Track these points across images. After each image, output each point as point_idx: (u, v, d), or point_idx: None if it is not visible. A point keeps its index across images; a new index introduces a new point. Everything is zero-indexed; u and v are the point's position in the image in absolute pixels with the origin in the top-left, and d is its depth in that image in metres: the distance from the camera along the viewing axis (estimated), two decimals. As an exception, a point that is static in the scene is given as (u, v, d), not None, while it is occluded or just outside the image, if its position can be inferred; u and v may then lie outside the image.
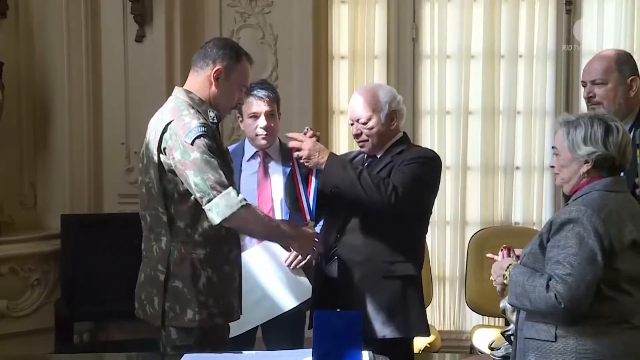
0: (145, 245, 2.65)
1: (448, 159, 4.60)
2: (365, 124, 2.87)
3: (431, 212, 3.01)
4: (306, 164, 2.79)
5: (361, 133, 2.88)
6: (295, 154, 2.80)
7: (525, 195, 4.61)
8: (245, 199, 2.47)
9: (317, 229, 3.03)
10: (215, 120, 2.60)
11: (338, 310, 2.71)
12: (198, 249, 2.54)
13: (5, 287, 4.18)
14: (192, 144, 2.45)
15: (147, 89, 4.40)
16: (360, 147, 2.95)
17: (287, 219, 3.00)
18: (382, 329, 2.80)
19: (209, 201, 2.44)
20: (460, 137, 4.59)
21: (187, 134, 2.46)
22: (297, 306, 3.11)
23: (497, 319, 4.44)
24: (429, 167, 2.85)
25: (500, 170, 4.61)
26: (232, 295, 2.64)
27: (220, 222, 2.45)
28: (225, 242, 2.61)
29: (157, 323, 2.58)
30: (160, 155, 2.52)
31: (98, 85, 4.47)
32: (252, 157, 3.25)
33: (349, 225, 2.85)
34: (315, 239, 2.75)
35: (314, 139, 2.80)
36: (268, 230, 2.63)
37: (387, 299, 2.81)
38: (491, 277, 2.47)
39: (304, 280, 3.11)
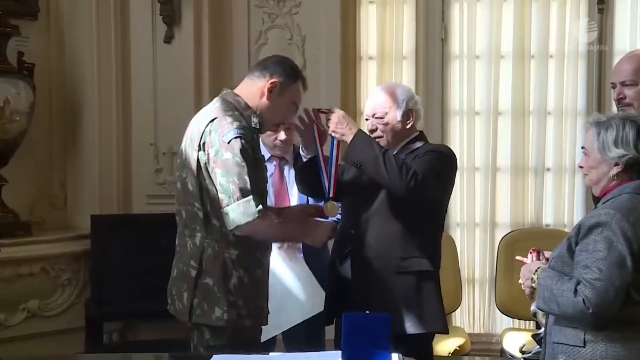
0: (179, 240, 2.71)
1: (477, 160, 4.61)
2: (381, 118, 2.91)
3: (446, 211, 3.02)
4: (332, 133, 2.79)
5: (376, 129, 2.92)
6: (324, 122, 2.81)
7: (556, 197, 4.61)
8: (262, 209, 2.50)
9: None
10: (257, 127, 2.65)
11: (353, 309, 2.74)
12: (231, 248, 2.59)
13: (37, 287, 4.26)
14: (228, 143, 2.51)
15: (175, 90, 4.47)
16: None
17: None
18: (397, 326, 2.78)
19: (227, 204, 2.50)
20: (489, 138, 4.60)
21: (226, 133, 2.53)
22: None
23: (527, 322, 4.44)
24: (444, 161, 2.87)
25: (530, 171, 4.61)
26: (261, 299, 2.69)
27: (233, 228, 2.51)
28: (258, 245, 2.66)
29: (184, 318, 2.63)
30: (200, 151, 2.58)
31: (127, 86, 4.55)
32: (268, 160, 3.30)
33: (363, 222, 2.87)
34: (328, 228, 2.79)
35: (343, 112, 2.82)
36: (280, 237, 2.75)
37: (400, 295, 2.82)
38: (520, 281, 2.49)
39: (320, 289, 3.15)
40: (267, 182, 2.74)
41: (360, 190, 2.91)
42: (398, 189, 2.71)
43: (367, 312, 2.71)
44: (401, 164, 2.72)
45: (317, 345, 3.15)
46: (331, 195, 2.83)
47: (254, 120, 2.64)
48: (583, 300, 2.19)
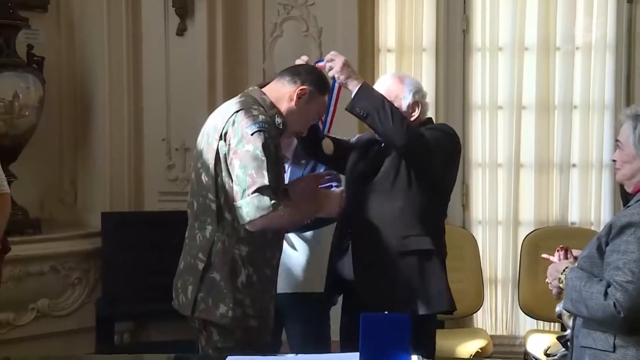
0: (189, 233, 2.72)
1: (500, 156, 4.58)
2: None
3: (447, 189, 2.99)
4: (336, 76, 2.84)
5: None
6: (328, 65, 2.87)
7: (582, 194, 4.56)
8: (276, 203, 2.49)
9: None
10: (281, 127, 2.67)
11: (355, 292, 2.85)
12: (242, 245, 2.59)
13: (46, 286, 4.28)
14: (251, 135, 2.53)
15: (188, 84, 4.48)
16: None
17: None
18: (401, 307, 2.75)
19: (242, 197, 2.50)
20: (513, 133, 4.56)
21: (251, 125, 2.55)
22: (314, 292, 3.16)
23: (552, 323, 4.41)
24: (446, 136, 2.90)
25: (555, 167, 4.57)
26: (269, 301, 2.69)
27: (248, 222, 2.51)
28: (269, 245, 2.67)
29: (186, 313, 2.63)
30: (220, 141, 2.59)
31: (139, 80, 4.56)
32: None
33: (361, 203, 2.89)
34: (339, 197, 2.81)
35: (345, 58, 2.87)
36: (296, 222, 2.75)
37: (403, 275, 2.84)
38: (547, 280, 2.46)
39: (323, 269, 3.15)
40: (283, 182, 2.73)
41: (357, 172, 2.96)
42: (400, 137, 2.75)
43: (372, 298, 2.79)
44: (402, 116, 2.81)
45: (323, 346, 3.16)
46: (327, 132, 3.02)
47: (278, 120, 2.67)
48: (614, 303, 2.16)
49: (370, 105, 2.77)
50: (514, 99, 4.56)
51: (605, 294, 2.18)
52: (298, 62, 2.91)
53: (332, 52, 2.90)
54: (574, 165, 4.57)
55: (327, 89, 2.80)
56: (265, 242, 2.64)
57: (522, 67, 4.55)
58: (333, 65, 2.84)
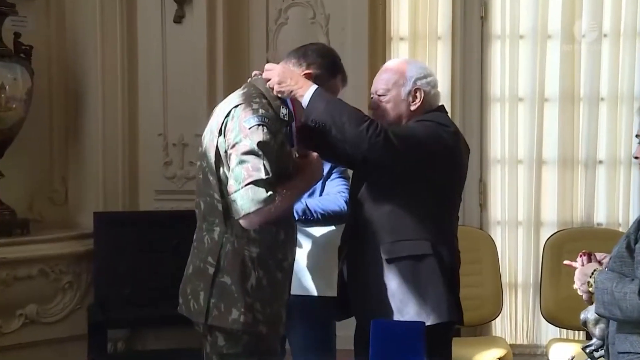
0: (197, 235, 2.73)
1: (521, 152, 4.57)
2: (383, 96, 2.87)
3: (455, 193, 2.91)
4: (278, 94, 2.68)
5: (377, 107, 2.89)
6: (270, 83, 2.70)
7: (610, 193, 4.55)
8: (272, 195, 2.48)
9: None
10: (286, 118, 2.66)
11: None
12: (252, 246, 2.60)
13: (35, 291, 4.27)
14: (249, 129, 2.53)
15: (187, 75, 4.47)
16: None
17: None
18: (395, 318, 2.74)
19: (236, 190, 2.49)
20: (534, 127, 4.55)
21: (248, 119, 2.55)
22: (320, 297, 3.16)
23: (576, 331, 4.40)
24: (431, 131, 2.75)
25: (580, 164, 4.56)
26: (280, 306, 2.68)
27: (243, 216, 2.49)
28: (281, 247, 2.67)
29: (199, 320, 2.64)
30: (220, 137, 2.60)
31: (134, 71, 4.55)
32: None
33: (356, 211, 2.86)
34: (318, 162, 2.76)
35: (282, 65, 2.72)
36: (289, 205, 2.70)
37: (392, 283, 2.77)
38: (574, 286, 2.46)
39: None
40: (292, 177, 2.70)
41: (354, 175, 2.91)
42: (360, 149, 2.62)
43: (360, 308, 2.76)
44: (362, 119, 2.64)
45: (328, 355, 3.17)
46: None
47: (284, 111, 2.66)
48: None
49: (324, 113, 2.63)
50: (536, 91, 4.54)
51: (639, 293, 2.18)
52: (253, 75, 2.79)
53: (267, 65, 2.74)
54: (600, 161, 4.56)
55: (337, 71, 2.74)
56: (276, 243, 2.65)
57: (544, 56, 4.53)
58: (269, 76, 2.69)
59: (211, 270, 2.61)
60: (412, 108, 2.86)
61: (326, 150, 2.75)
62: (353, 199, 2.92)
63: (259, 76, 2.75)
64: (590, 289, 2.36)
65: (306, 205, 3.08)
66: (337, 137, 2.65)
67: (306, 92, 2.66)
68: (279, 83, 2.67)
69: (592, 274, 2.38)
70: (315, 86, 2.68)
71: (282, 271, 2.69)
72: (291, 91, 2.67)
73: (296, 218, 2.93)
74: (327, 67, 2.70)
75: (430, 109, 2.90)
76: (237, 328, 2.58)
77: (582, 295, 2.43)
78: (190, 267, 2.72)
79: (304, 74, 2.67)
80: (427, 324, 2.66)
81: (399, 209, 2.79)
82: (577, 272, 2.46)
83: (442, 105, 2.98)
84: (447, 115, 2.95)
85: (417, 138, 2.72)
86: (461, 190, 2.98)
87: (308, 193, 3.07)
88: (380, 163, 2.70)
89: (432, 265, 2.79)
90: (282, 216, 2.63)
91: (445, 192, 2.88)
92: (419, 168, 2.75)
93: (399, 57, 4.59)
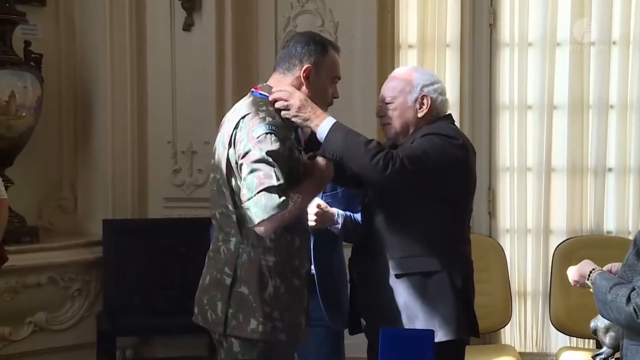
0: (213, 245, 2.73)
1: (530, 160, 4.56)
2: (390, 104, 2.87)
3: (466, 204, 2.91)
4: (292, 117, 2.67)
5: (384, 115, 2.89)
6: (280, 104, 2.68)
7: (619, 200, 4.53)
8: (285, 200, 2.48)
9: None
10: (294, 124, 2.67)
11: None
12: (268, 255, 2.61)
13: (44, 298, 4.29)
14: (257, 138, 2.53)
15: (195, 83, 4.49)
16: (383, 130, 2.94)
17: None
18: None
19: (249, 199, 2.50)
20: (543, 134, 4.54)
21: (256, 128, 2.55)
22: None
23: (587, 340, 4.38)
24: (440, 146, 2.75)
25: (589, 172, 4.54)
26: (299, 313, 2.68)
27: (257, 224, 2.50)
28: (298, 254, 2.67)
29: (218, 330, 2.64)
30: (230, 149, 2.61)
31: (143, 79, 4.57)
32: None
33: (367, 225, 2.87)
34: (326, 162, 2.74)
35: (301, 94, 2.69)
36: (302, 209, 2.67)
37: (404, 299, 2.77)
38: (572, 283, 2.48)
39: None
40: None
41: (365, 193, 2.92)
42: (376, 179, 2.67)
43: (366, 322, 2.73)
44: (376, 150, 2.65)
45: None
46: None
47: None
48: (634, 308, 2.19)
49: (341, 147, 2.66)
50: (545, 98, 4.53)
51: (629, 298, 2.21)
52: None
53: (283, 88, 2.67)
54: (610, 169, 4.54)
55: (324, 46, 2.71)
56: (292, 250, 2.66)
57: (553, 63, 4.52)
58: (289, 105, 2.67)
59: (228, 280, 2.62)
60: (420, 115, 2.86)
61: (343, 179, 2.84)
62: (364, 213, 2.92)
63: (264, 84, 2.74)
64: (591, 290, 2.37)
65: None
66: (353, 169, 2.71)
67: (322, 123, 2.68)
68: (298, 109, 2.68)
69: (590, 275, 2.39)
70: (332, 119, 2.70)
71: (300, 278, 2.68)
72: (306, 120, 2.68)
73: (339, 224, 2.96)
74: (316, 50, 2.69)
75: (438, 116, 2.90)
76: (257, 337, 2.59)
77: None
78: (207, 277, 2.72)
79: (303, 72, 2.67)
80: (435, 340, 2.61)
81: (409, 224, 2.79)
82: (572, 273, 2.49)
83: (450, 114, 2.97)
84: (454, 125, 2.94)
85: (429, 162, 2.72)
86: (472, 199, 2.98)
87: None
88: (395, 190, 2.73)
89: (442, 281, 2.79)
90: (296, 222, 2.64)
91: (457, 206, 2.88)
92: (431, 188, 2.77)
93: (407, 65, 4.60)
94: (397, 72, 3.02)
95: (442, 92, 2.93)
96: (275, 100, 2.67)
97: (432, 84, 2.90)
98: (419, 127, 2.86)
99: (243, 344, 2.61)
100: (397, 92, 2.87)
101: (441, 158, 2.74)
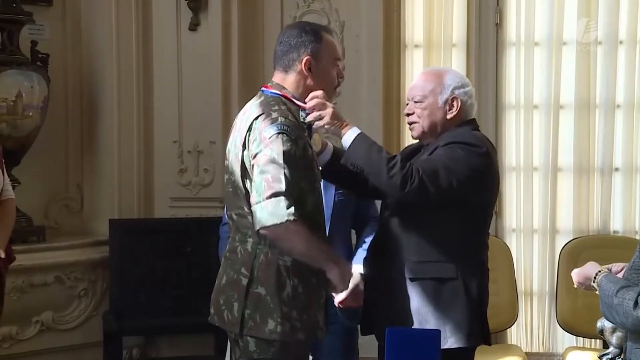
0: (230, 246, 2.73)
1: (536, 159, 4.56)
2: (419, 102, 2.86)
3: (486, 211, 2.89)
4: (325, 125, 2.68)
5: (413, 113, 2.88)
6: (313, 115, 2.68)
7: (626, 200, 4.53)
8: (293, 212, 2.48)
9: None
10: (306, 121, 2.67)
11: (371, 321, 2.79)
12: (286, 255, 2.60)
13: (51, 298, 4.31)
14: (269, 138, 2.53)
15: (202, 83, 4.50)
16: (410, 129, 2.93)
17: None
18: None
19: (257, 202, 2.50)
20: (550, 134, 4.53)
21: (268, 128, 2.55)
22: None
23: (593, 340, 4.37)
24: (462, 154, 2.73)
25: (596, 171, 4.54)
26: (317, 311, 2.68)
27: (260, 229, 2.51)
28: None
29: (235, 331, 2.64)
30: (244, 151, 2.61)
31: (149, 79, 4.59)
32: None
33: (383, 226, 2.88)
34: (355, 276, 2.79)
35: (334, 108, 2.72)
36: (310, 251, 2.61)
37: (416, 303, 2.76)
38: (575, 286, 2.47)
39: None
40: (319, 180, 2.71)
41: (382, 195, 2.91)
42: (395, 196, 2.71)
43: (378, 324, 2.72)
44: (396, 166, 2.65)
45: None
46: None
47: (303, 114, 2.67)
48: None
49: (363, 160, 2.68)
50: (551, 98, 4.53)
51: (636, 302, 2.19)
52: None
53: (316, 94, 2.66)
54: (616, 169, 4.54)
55: (317, 33, 2.69)
56: None
57: (560, 63, 4.52)
58: (322, 115, 2.67)
59: (245, 281, 2.61)
60: (449, 117, 2.86)
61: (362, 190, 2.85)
62: (383, 214, 2.92)
63: (274, 83, 2.74)
64: (597, 293, 2.36)
65: None
66: (374, 183, 2.72)
67: (348, 132, 2.71)
68: (330, 120, 2.69)
69: (595, 277, 2.38)
70: (357, 130, 2.72)
71: (317, 276, 2.67)
72: (334, 128, 2.71)
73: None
74: (310, 40, 2.67)
75: (466, 119, 2.90)
76: (275, 338, 2.58)
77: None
78: (224, 277, 2.71)
79: (304, 65, 2.65)
80: (444, 347, 2.64)
81: (427, 229, 2.78)
82: (576, 275, 2.49)
83: (474, 119, 2.95)
84: (478, 132, 2.91)
85: (450, 176, 2.69)
86: (494, 206, 2.98)
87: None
88: (415, 205, 2.73)
89: (456, 288, 2.78)
90: (311, 220, 2.61)
91: (477, 214, 2.86)
92: (452, 200, 2.75)
93: (413, 64, 4.61)
94: (429, 71, 3.02)
95: (472, 96, 2.93)
96: (307, 110, 2.67)
97: (463, 86, 2.89)
98: (445, 129, 2.85)
99: (259, 343, 2.60)
100: (428, 92, 2.86)
101: (463, 170, 2.72)
